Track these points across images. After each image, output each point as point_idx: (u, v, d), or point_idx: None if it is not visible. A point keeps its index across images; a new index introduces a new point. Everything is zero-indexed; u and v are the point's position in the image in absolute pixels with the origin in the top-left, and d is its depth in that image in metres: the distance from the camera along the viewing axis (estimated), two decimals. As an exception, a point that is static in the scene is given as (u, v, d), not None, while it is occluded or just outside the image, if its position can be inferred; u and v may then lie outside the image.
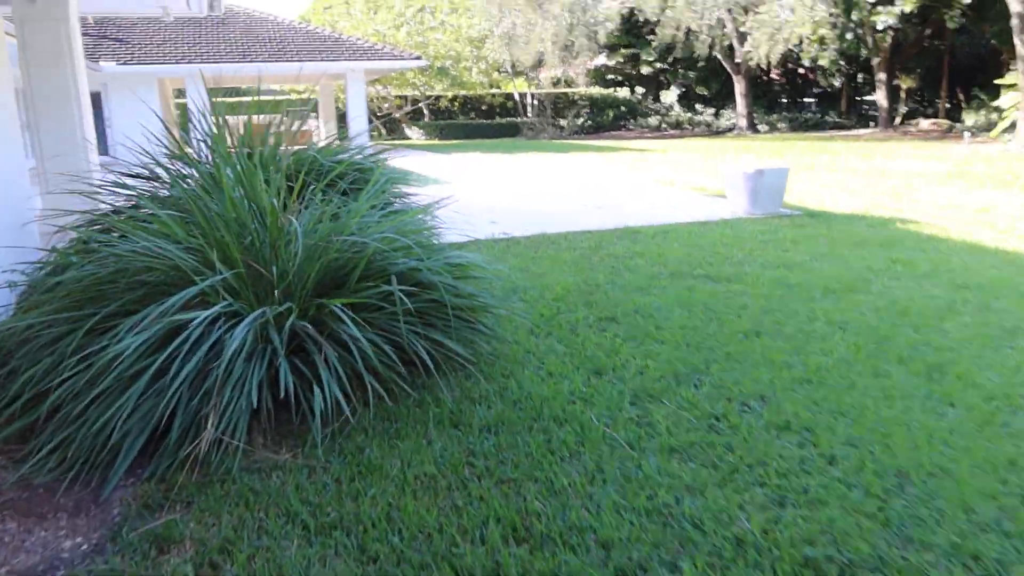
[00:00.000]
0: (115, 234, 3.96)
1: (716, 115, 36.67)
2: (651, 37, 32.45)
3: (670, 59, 34.73)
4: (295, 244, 3.56)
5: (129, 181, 5.00)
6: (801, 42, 22.30)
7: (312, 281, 3.59)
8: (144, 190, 4.79)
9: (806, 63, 27.48)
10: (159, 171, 4.94)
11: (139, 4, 9.87)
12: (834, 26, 21.41)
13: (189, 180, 4.54)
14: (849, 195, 10.40)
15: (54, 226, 4.79)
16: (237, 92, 39.60)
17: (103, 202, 4.83)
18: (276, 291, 3.49)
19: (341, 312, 3.30)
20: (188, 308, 3.33)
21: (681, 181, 12.28)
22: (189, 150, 5.26)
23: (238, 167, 3.88)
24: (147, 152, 5.00)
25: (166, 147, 5.01)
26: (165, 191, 4.71)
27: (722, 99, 37.37)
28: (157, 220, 3.66)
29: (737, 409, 3.36)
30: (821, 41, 23.06)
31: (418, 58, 24.12)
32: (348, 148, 6.27)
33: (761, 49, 23.28)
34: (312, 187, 4.73)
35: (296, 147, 6.06)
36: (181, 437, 2.96)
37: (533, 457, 2.95)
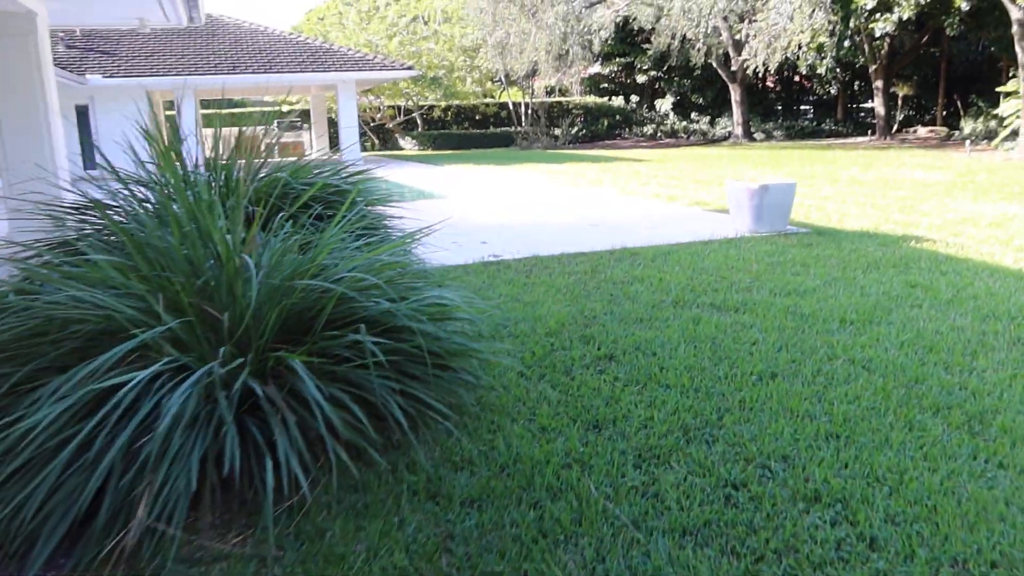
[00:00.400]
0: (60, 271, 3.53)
1: (711, 123, 36.36)
2: (646, 46, 32.17)
3: (665, 67, 34.45)
4: (251, 285, 3.13)
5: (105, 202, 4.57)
6: (800, 49, 21.96)
7: (272, 328, 3.16)
8: (94, 223, 4.35)
9: (803, 71, 27.17)
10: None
11: (114, 16, 9.45)
12: (832, 33, 21.08)
13: (143, 208, 4.11)
14: (855, 208, 10.00)
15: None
16: (231, 104, 39.40)
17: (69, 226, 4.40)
18: (228, 343, 3.05)
19: (302, 371, 2.87)
20: (126, 364, 2.91)
21: (680, 194, 11.88)
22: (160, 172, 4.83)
23: (189, 196, 3.45)
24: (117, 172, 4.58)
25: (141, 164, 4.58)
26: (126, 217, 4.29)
27: (717, 107, 37.09)
28: (88, 264, 3.22)
29: (757, 474, 2.93)
30: (819, 49, 22.74)
31: (410, 68, 23.76)
32: (325, 166, 5.84)
33: (759, 57, 22.96)
34: (282, 214, 4.31)
35: (279, 159, 5.65)
36: (110, 522, 2.52)
37: (522, 542, 2.52)
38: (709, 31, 26.74)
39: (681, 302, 5.40)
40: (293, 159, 5.99)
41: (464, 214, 10.41)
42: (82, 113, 21.47)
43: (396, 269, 3.77)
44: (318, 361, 3.06)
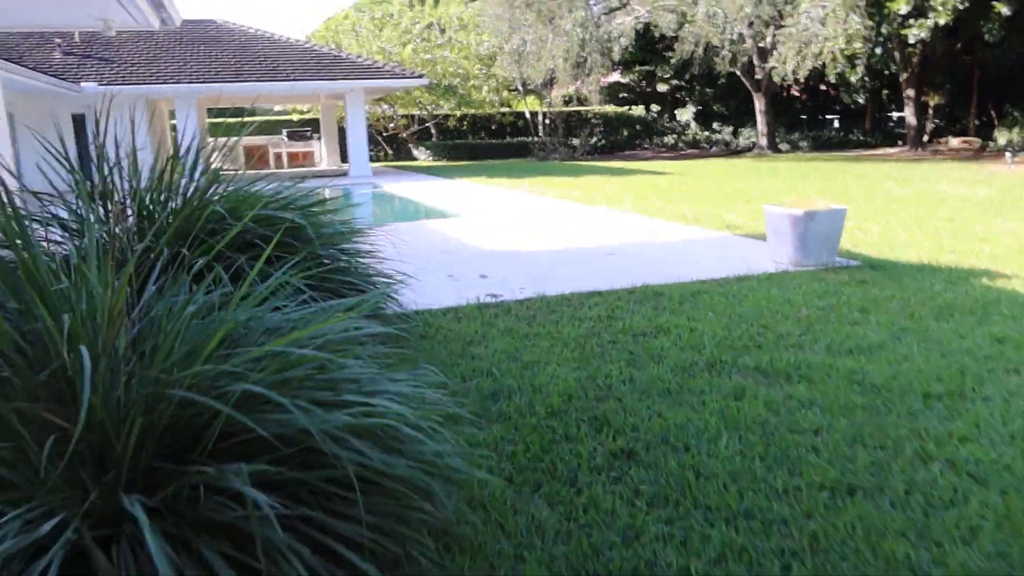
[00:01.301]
0: None
1: (735, 134, 35.21)
2: (668, 54, 31.08)
3: (687, 76, 33.34)
4: (84, 388, 2.12)
5: None
6: (834, 57, 20.75)
7: (130, 448, 2.15)
8: None
9: (832, 79, 25.99)
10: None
11: (75, 17, 8.58)
12: (866, 40, 19.90)
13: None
14: (903, 232, 8.90)
15: None
16: (242, 112, 38.72)
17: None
18: (57, 474, 2.05)
19: (146, 531, 1.86)
20: None
21: (707, 214, 10.80)
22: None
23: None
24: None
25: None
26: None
27: (741, 117, 35.93)
28: None
29: None
30: (852, 56, 21.50)
31: (420, 76, 22.86)
32: (283, 192, 4.85)
33: (788, 64, 21.79)
34: (198, 264, 3.32)
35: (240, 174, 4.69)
36: None
37: None
38: (735, 38, 25.64)
39: (717, 364, 4.35)
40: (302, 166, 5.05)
41: (467, 237, 9.40)
42: (79, 123, 20.71)
43: (341, 348, 2.75)
44: (204, 492, 2.07)
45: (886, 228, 9.27)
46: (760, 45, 29.18)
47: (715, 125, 36.84)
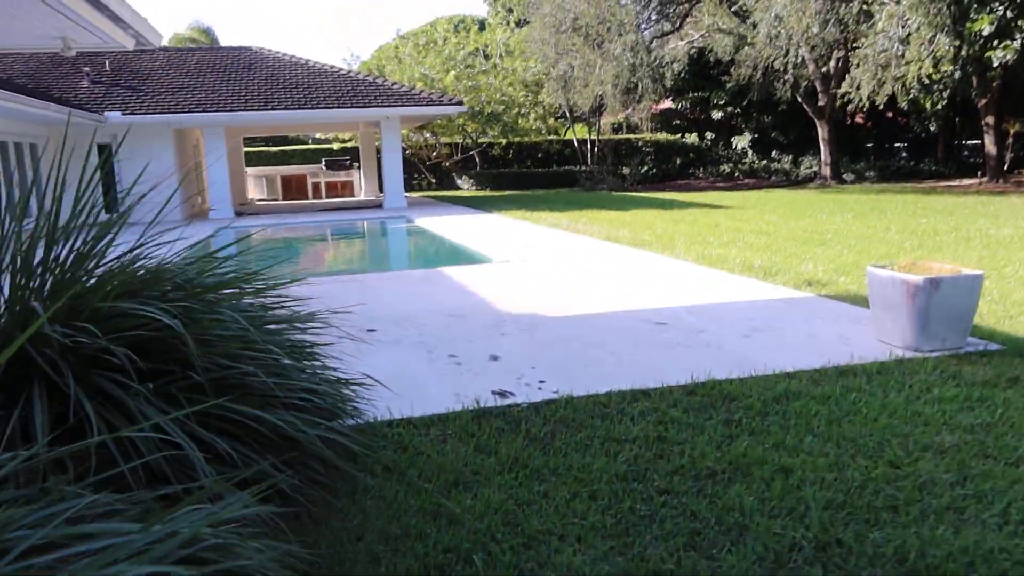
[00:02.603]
0: None
1: (795, 163, 33.19)
2: (725, 78, 29.36)
3: (744, 102, 31.52)
4: None
5: None
6: (918, 80, 18.68)
7: None
8: None
9: (904, 105, 23.93)
10: None
11: (31, 38, 7.37)
12: (953, 61, 17.87)
13: None
14: (1032, 293, 7.08)
15: None
16: (285, 141, 38.06)
17: None
18: None
19: None
20: None
21: (778, 263, 9.08)
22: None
23: None
24: None
25: None
26: None
27: (801, 145, 33.91)
28: None
29: None
30: (939, 81, 19.29)
31: (460, 103, 21.55)
32: (191, 268, 3.40)
33: (863, 89, 19.85)
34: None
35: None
36: None
37: None
38: (798, 61, 23.80)
39: (833, 550, 2.71)
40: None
41: (487, 291, 7.87)
42: (104, 154, 19.85)
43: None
44: None
45: (1005, 286, 7.46)
46: (823, 70, 27.30)
47: (774, 153, 34.86)
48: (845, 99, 21.87)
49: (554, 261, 9.91)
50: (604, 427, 3.89)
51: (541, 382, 4.63)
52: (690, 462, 3.46)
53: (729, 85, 28.38)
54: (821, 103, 28.21)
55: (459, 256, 11.99)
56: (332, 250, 15.83)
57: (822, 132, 28.98)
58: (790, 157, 33.72)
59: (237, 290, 3.64)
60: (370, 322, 6.47)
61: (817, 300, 6.90)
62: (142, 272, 3.25)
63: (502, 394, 4.40)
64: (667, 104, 36.99)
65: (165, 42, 49.87)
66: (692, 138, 37.05)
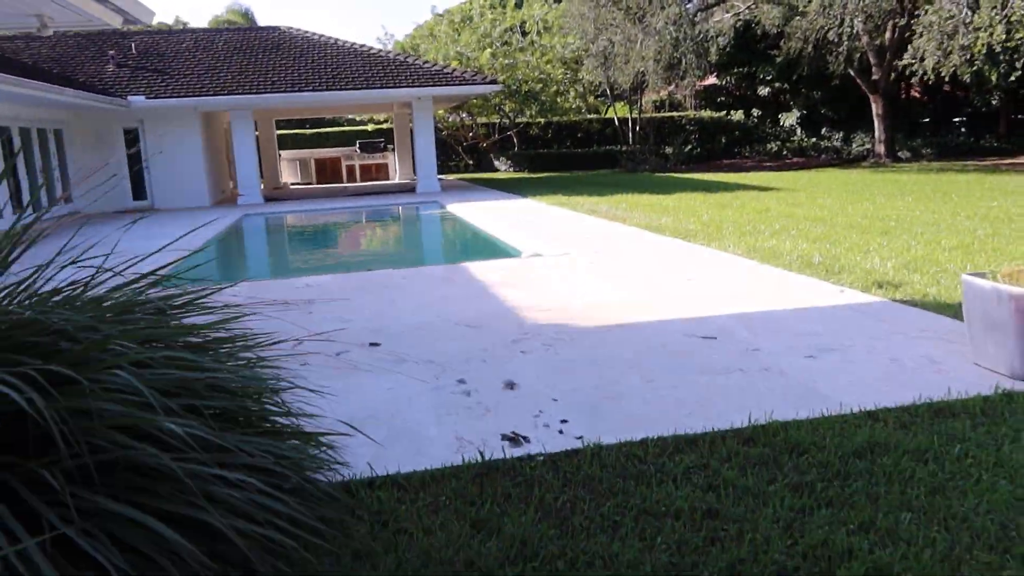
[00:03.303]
0: None
1: (846, 140, 31.65)
2: (774, 52, 27.94)
3: (794, 77, 30.06)
4: None
5: None
6: (997, 51, 17.14)
7: None
8: None
9: (966, 78, 22.38)
10: None
11: (2, 16, 6.68)
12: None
13: None
14: None
15: None
16: (320, 123, 37.53)
17: None
18: None
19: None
20: None
21: (840, 257, 8.10)
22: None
23: None
24: None
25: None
26: None
27: (852, 122, 32.31)
28: None
29: None
30: (1015, 50, 17.69)
31: (494, 82, 20.68)
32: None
33: (927, 61, 18.42)
34: None
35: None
36: None
37: None
38: (854, 31, 22.36)
39: None
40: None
41: (510, 293, 7.07)
42: (131, 138, 19.43)
43: None
44: None
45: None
46: (877, 41, 25.77)
47: (823, 131, 33.32)
48: (907, 72, 20.43)
49: (588, 256, 9.06)
50: (639, 493, 3.07)
51: (563, 422, 3.82)
52: (751, 553, 2.63)
53: (779, 59, 26.97)
54: (875, 76, 26.68)
55: (487, 248, 11.21)
56: (352, 240, 15.12)
57: (876, 107, 27.46)
58: (841, 134, 32.20)
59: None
60: (375, 333, 5.71)
61: (891, 307, 5.95)
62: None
63: (514, 439, 3.61)
64: (711, 80, 35.60)
65: (204, 24, 49.45)
66: (737, 115, 35.62)
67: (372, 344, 5.39)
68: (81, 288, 3.23)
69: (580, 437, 3.61)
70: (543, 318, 6.02)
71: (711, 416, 3.82)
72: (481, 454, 3.46)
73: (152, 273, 3.31)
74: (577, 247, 9.72)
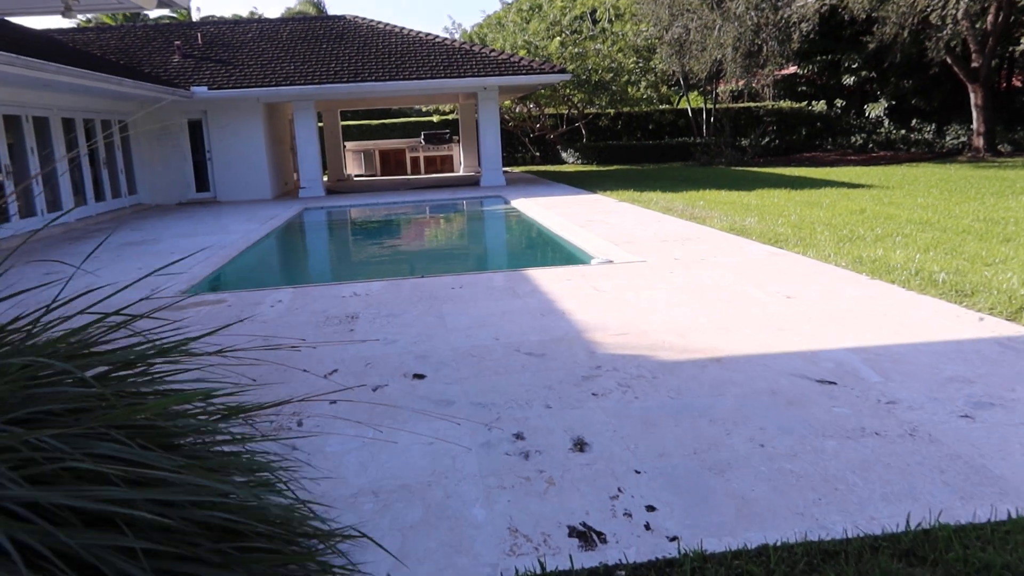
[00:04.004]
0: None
1: (939, 132, 29.63)
2: (866, 38, 26.19)
3: (884, 65, 28.21)
4: None
5: None
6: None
7: None
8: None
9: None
10: None
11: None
12: None
13: None
14: None
15: None
16: (387, 114, 37.12)
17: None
18: None
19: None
20: None
21: (970, 276, 6.92)
22: None
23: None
24: None
25: None
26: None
27: (945, 112, 30.24)
28: None
29: None
30: None
31: (563, 71, 19.71)
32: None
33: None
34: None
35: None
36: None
37: None
38: (960, 14, 20.68)
39: None
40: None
41: (580, 312, 6.18)
42: (195, 130, 19.14)
43: None
44: None
45: None
46: (978, 25, 23.89)
47: (913, 122, 31.32)
48: (1018, 55, 18.70)
49: (666, 263, 8.09)
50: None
51: (650, 510, 2.91)
52: None
53: (871, 45, 25.22)
54: (975, 64, 24.78)
55: (553, 252, 10.34)
56: (408, 240, 14.36)
57: (974, 97, 25.52)
58: (932, 126, 30.18)
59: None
60: (421, 360, 4.90)
61: (1043, 341, 4.85)
62: None
63: (585, 538, 2.72)
64: (791, 69, 33.86)
65: (279, 14, 49.55)
66: (819, 106, 33.81)
67: (416, 376, 4.58)
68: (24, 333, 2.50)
69: (675, 539, 2.70)
70: (618, 345, 5.11)
71: (849, 507, 2.87)
72: (541, 564, 2.58)
73: (119, 312, 2.56)
74: (653, 252, 8.75)
